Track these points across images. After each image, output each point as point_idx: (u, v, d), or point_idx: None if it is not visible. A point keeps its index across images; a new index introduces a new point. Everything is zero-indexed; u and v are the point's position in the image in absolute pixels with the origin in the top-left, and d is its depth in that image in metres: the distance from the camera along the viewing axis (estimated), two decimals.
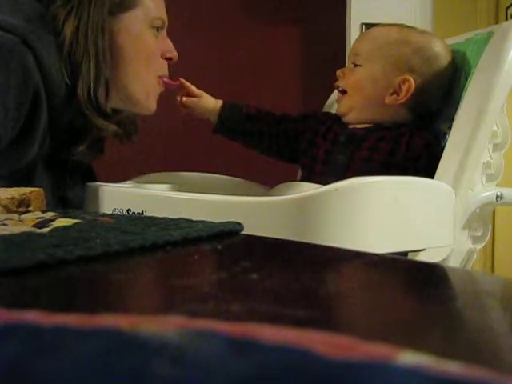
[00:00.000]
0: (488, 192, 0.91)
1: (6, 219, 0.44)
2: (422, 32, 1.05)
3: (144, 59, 0.91)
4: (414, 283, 0.32)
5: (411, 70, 0.99)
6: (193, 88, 1.10)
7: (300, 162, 1.11)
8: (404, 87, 0.99)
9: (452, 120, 0.92)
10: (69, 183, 0.94)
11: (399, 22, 1.21)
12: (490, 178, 0.92)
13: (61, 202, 0.91)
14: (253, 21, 2.02)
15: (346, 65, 1.11)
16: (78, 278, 0.30)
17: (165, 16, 0.94)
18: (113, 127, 0.90)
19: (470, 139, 0.86)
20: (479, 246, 0.92)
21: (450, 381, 0.14)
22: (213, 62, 1.98)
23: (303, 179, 1.04)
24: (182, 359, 0.15)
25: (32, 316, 0.19)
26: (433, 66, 1.00)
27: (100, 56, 0.84)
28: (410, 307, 0.27)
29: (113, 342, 0.16)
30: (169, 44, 0.95)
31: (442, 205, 0.84)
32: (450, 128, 0.92)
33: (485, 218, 0.92)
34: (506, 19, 1.82)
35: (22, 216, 0.46)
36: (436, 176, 0.87)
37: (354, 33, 1.82)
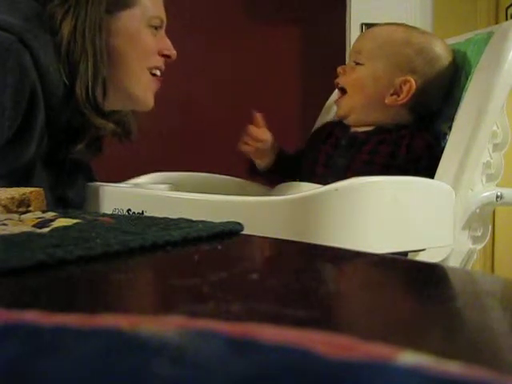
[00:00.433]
0: (488, 192, 0.91)
1: (5, 219, 0.44)
2: (424, 32, 1.05)
3: (141, 58, 0.91)
4: (414, 283, 0.32)
5: (413, 71, 0.99)
6: (261, 133, 1.08)
7: (301, 165, 1.11)
8: (405, 88, 0.99)
9: (452, 120, 0.92)
10: (68, 182, 0.94)
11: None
12: (490, 178, 0.92)
13: (61, 202, 0.91)
14: (253, 21, 2.02)
15: (347, 63, 1.11)
16: (78, 278, 0.30)
17: (163, 15, 0.94)
18: (111, 126, 0.90)
19: (470, 139, 0.86)
20: (479, 246, 0.92)
21: (450, 381, 0.14)
22: (213, 63, 1.98)
23: (303, 181, 1.04)
24: (182, 359, 0.15)
25: (32, 316, 0.19)
26: (434, 67, 1.00)
27: (98, 55, 0.84)
28: (410, 307, 0.27)
29: (113, 342, 0.16)
30: (167, 42, 0.95)
31: (442, 205, 0.84)
32: (450, 128, 0.92)
33: (485, 218, 0.92)
34: (506, 19, 1.82)
35: (22, 216, 0.46)
36: (436, 176, 0.87)
37: (354, 33, 1.82)
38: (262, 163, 1.12)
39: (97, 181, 0.95)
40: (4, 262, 0.28)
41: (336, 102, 1.08)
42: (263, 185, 1.18)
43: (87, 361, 0.15)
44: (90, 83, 0.84)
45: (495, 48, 0.90)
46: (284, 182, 1.04)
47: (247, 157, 1.12)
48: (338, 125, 1.07)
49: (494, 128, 0.90)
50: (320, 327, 0.21)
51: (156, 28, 0.92)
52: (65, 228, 0.40)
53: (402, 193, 0.78)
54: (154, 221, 0.44)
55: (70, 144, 0.90)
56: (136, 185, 1.08)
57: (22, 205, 0.49)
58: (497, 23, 1.84)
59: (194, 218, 0.44)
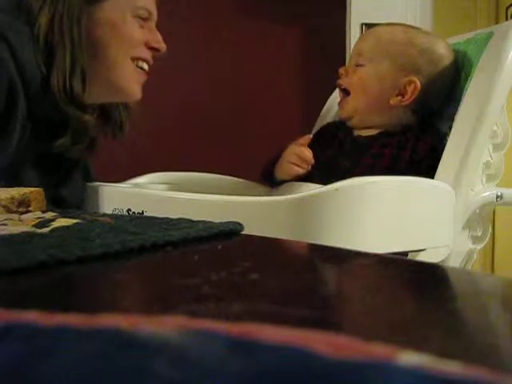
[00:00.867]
0: (488, 192, 0.91)
1: (5, 219, 0.44)
2: (425, 32, 1.05)
3: (124, 47, 0.89)
4: (414, 283, 0.32)
5: (417, 71, 0.99)
6: (311, 156, 1.01)
7: None
8: (409, 89, 0.99)
9: (452, 120, 0.92)
10: (63, 181, 0.93)
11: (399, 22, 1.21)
12: (490, 178, 0.92)
13: (54, 201, 0.90)
14: (253, 21, 2.02)
15: (347, 65, 1.10)
16: (78, 279, 0.30)
17: (151, 7, 0.92)
18: (88, 118, 0.88)
19: (470, 139, 0.86)
20: (479, 246, 0.92)
21: (450, 381, 0.14)
22: (213, 62, 1.98)
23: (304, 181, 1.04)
24: (182, 359, 0.15)
25: (32, 316, 0.18)
26: (438, 68, 1.00)
27: (76, 45, 0.83)
28: (410, 307, 0.27)
29: (113, 342, 0.16)
30: (156, 35, 0.93)
31: (442, 205, 0.84)
32: (450, 128, 0.92)
33: (485, 218, 0.92)
34: (506, 19, 1.82)
35: (22, 216, 0.46)
36: (436, 176, 0.87)
37: (354, 33, 1.82)
38: (292, 178, 1.04)
39: (95, 181, 0.95)
40: (4, 261, 0.28)
41: (339, 103, 1.08)
42: (263, 185, 1.17)
43: (87, 361, 0.15)
44: (67, 73, 0.83)
45: (495, 48, 0.90)
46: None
47: (264, 164, 1.07)
48: (341, 127, 1.06)
49: (494, 128, 0.90)
50: (320, 327, 0.21)
51: (144, 19, 0.90)
52: (65, 228, 0.40)
53: (402, 193, 0.78)
54: (153, 221, 0.44)
55: (52, 138, 0.88)
56: (136, 185, 1.08)
57: (22, 205, 0.49)
58: (497, 23, 1.84)
59: (194, 218, 0.44)
